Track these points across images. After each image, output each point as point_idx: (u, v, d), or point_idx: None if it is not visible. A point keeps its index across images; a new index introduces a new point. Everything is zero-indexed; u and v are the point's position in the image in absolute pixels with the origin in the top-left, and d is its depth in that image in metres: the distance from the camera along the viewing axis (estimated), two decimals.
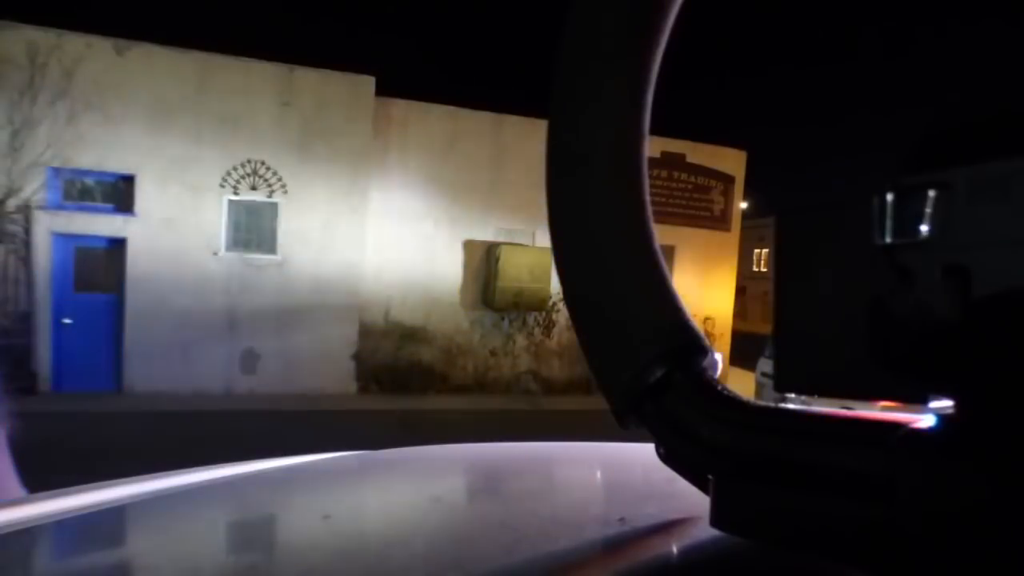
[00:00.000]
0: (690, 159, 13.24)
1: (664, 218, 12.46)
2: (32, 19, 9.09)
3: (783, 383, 0.33)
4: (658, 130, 7.22)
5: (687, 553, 0.47)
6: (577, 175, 0.40)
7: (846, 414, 0.33)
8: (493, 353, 12.10)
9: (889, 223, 0.28)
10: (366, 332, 11.04)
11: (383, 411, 9.88)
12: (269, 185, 10.27)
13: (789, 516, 0.32)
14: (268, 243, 10.38)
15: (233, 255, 10.17)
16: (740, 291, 16.34)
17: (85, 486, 0.71)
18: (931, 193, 0.27)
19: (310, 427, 8.57)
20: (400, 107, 11.34)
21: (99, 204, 9.76)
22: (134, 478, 0.75)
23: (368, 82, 10.69)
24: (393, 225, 11.26)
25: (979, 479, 0.26)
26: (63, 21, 9.28)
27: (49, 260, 9.32)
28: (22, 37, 8.89)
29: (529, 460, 0.90)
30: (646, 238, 0.39)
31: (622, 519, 0.53)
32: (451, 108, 11.69)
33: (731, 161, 13.73)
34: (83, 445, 6.76)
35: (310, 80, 10.42)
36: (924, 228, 0.27)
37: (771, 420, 0.35)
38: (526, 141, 11.59)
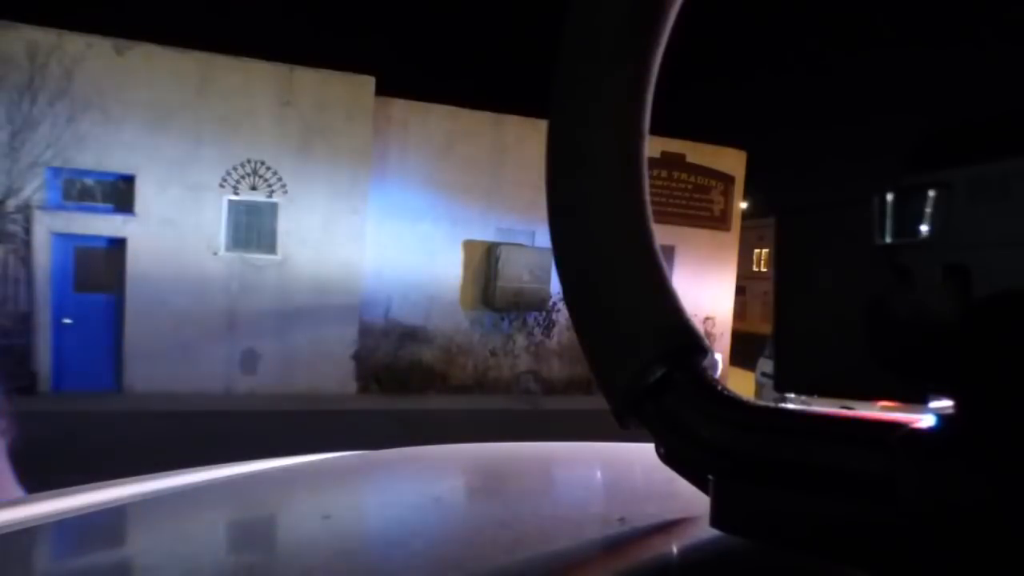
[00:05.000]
0: (690, 159, 13.24)
1: (664, 218, 12.46)
2: (32, 19, 9.09)
3: (783, 383, 0.33)
4: (658, 130, 7.22)
5: (687, 553, 0.47)
6: (577, 175, 0.40)
7: (846, 414, 0.33)
8: (493, 353, 12.10)
9: (889, 223, 0.28)
10: (366, 332, 11.04)
11: (383, 411, 9.87)
12: (269, 185, 10.27)
13: (789, 516, 0.32)
14: (268, 243, 10.38)
15: (233, 255, 10.17)
16: (740, 291, 16.34)
17: (85, 486, 0.71)
18: (931, 193, 0.27)
19: (310, 427, 8.56)
20: (400, 107, 11.33)
21: (99, 204, 9.75)
22: (134, 478, 0.75)
23: (368, 82, 10.69)
24: (393, 225, 11.26)
25: (979, 479, 0.26)
26: (63, 21, 9.29)
27: (49, 260, 9.31)
28: (22, 37, 8.88)
29: (529, 460, 0.90)
30: (646, 238, 0.39)
31: (622, 519, 0.53)
32: (451, 108, 11.69)
33: (731, 161, 13.72)
34: (83, 445, 6.76)
35: (310, 80, 10.42)
36: (924, 228, 0.27)
37: (771, 420, 0.35)
38: (526, 141, 11.59)
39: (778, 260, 0.33)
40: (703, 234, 13.45)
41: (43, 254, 9.26)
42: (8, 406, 0.97)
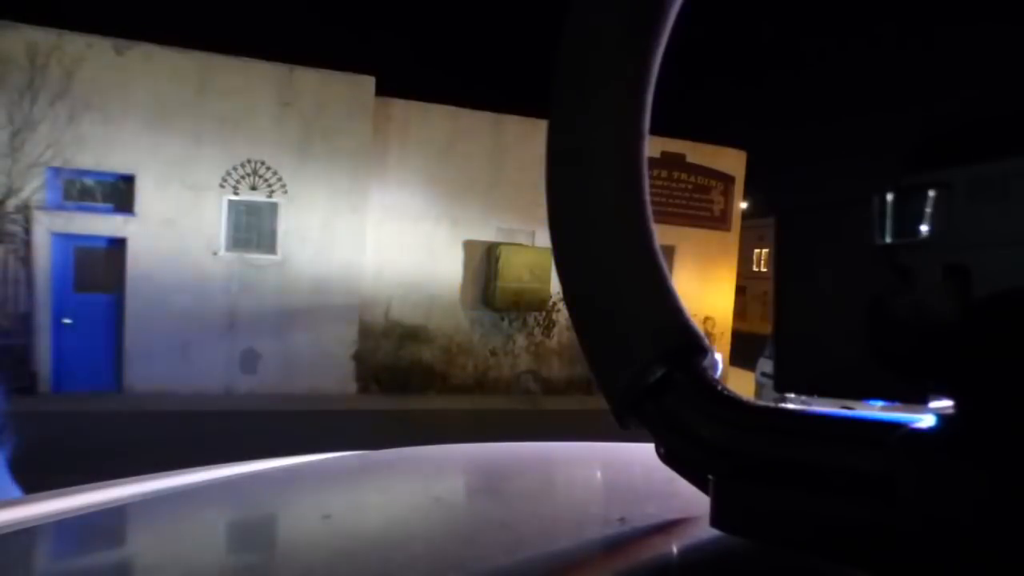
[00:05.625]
0: (690, 159, 13.24)
1: (664, 218, 12.46)
2: (32, 19, 9.09)
3: (783, 383, 0.33)
4: (658, 130, 7.22)
5: (687, 553, 0.47)
6: (577, 175, 0.40)
7: (846, 414, 0.33)
8: (493, 353, 12.10)
9: (889, 223, 0.28)
10: (366, 332, 11.04)
11: (383, 411, 9.88)
12: (269, 185, 10.27)
13: (789, 516, 0.32)
14: (268, 243, 10.38)
15: (233, 255, 10.17)
16: (740, 291, 16.34)
17: (85, 486, 0.71)
18: (931, 193, 0.27)
19: (310, 427, 8.57)
20: (400, 107, 11.33)
21: (99, 204, 9.75)
22: (134, 478, 0.75)
23: (368, 82, 10.69)
24: (393, 225, 11.26)
25: (979, 479, 0.26)
26: (63, 21, 9.29)
27: (49, 260, 9.31)
28: (22, 37, 8.89)
29: (529, 460, 0.90)
30: (646, 238, 0.39)
31: (622, 519, 0.53)
32: (451, 108, 11.69)
33: (731, 161, 13.73)
34: (83, 445, 6.76)
35: (310, 80, 10.42)
36: (924, 228, 0.27)
37: (771, 420, 0.35)
38: (526, 141, 11.58)
39: (778, 260, 0.33)
40: (703, 234, 13.45)
41: (43, 254, 9.26)
42: (6, 406, 0.97)
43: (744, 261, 18.82)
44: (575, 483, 0.83)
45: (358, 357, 10.96)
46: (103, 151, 9.34)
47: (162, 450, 4.63)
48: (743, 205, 14.69)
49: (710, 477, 0.36)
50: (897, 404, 0.29)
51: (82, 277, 9.66)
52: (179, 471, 0.79)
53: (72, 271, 9.60)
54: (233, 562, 0.52)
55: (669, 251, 12.54)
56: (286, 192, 10.33)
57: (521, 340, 12.25)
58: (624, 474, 0.81)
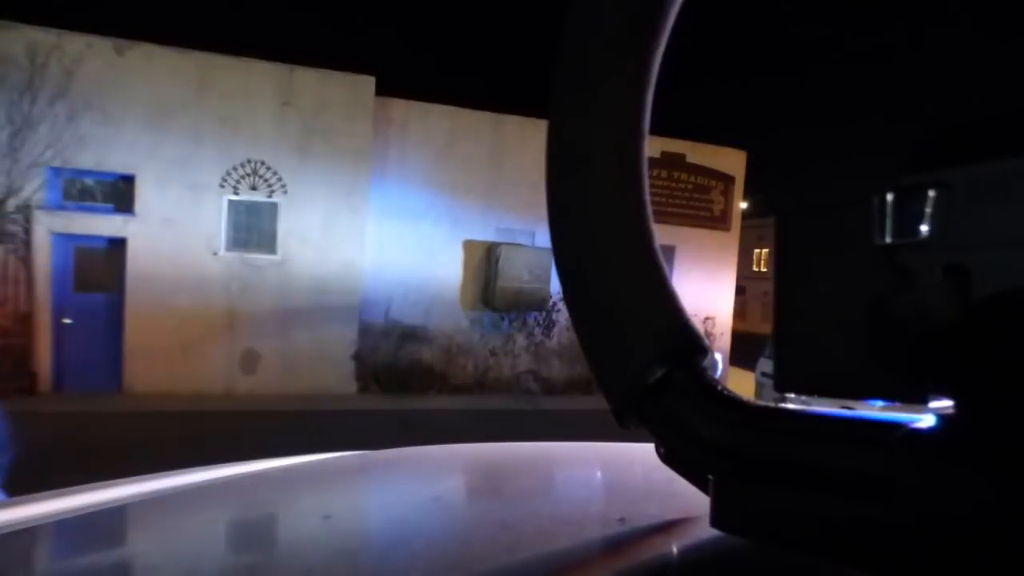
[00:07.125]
0: (690, 159, 13.24)
1: (664, 218, 12.46)
2: (32, 19, 9.09)
3: (783, 383, 0.33)
4: (658, 130, 7.22)
5: (687, 553, 0.47)
6: (577, 175, 0.40)
7: (846, 414, 0.33)
8: (493, 353, 12.10)
9: (889, 223, 0.28)
10: (366, 332, 11.04)
11: (383, 411, 9.87)
12: (269, 185, 10.27)
13: (789, 516, 0.32)
14: (268, 243, 10.38)
15: (233, 255, 10.17)
16: (740, 291, 16.34)
17: (85, 486, 0.71)
18: (931, 193, 0.27)
19: (310, 427, 8.56)
20: (400, 107, 11.33)
21: (99, 204, 9.75)
22: (134, 478, 0.75)
23: (368, 82, 10.69)
24: (393, 225, 11.25)
25: (978, 479, 0.26)
26: (63, 21, 9.29)
27: (49, 260, 9.31)
28: (22, 37, 8.89)
29: (529, 460, 0.90)
30: (646, 238, 0.39)
31: (622, 519, 0.53)
32: (451, 108, 11.69)
33: (731, 161, 13.72)
34: (83, 445, 6.76)
35: (310, 80, 10.42)
36: (924, 228, 0.27)
37: (771, 420, 0.35)
38: (526, 141, 11.58)
39: (778, 260, 0.33)
40: (703, 234, 13.45)
41: (43, 254, 9.26)
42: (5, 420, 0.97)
43: (744, 261, 18.82)
44: (575, 483, 0.83)
45: (358, 357, 10.96)
46: (103, 151, 9.33)
47: (162, 450, 4.62)
48: (743, 205, 14.69)
49: (710, 477, 0.36)
50: (897, 404, 0.29)
51: (82, 277, 9.66)
52: (179, 471, 0.79)
53: (72, 271, 9.60)
54: (233, 562, 0.52)
55: (669, 251, 12.54)
56: (286, 192, 10.33)
57: (521, 340, 12.25)
58: (624, 474, 0.81)
